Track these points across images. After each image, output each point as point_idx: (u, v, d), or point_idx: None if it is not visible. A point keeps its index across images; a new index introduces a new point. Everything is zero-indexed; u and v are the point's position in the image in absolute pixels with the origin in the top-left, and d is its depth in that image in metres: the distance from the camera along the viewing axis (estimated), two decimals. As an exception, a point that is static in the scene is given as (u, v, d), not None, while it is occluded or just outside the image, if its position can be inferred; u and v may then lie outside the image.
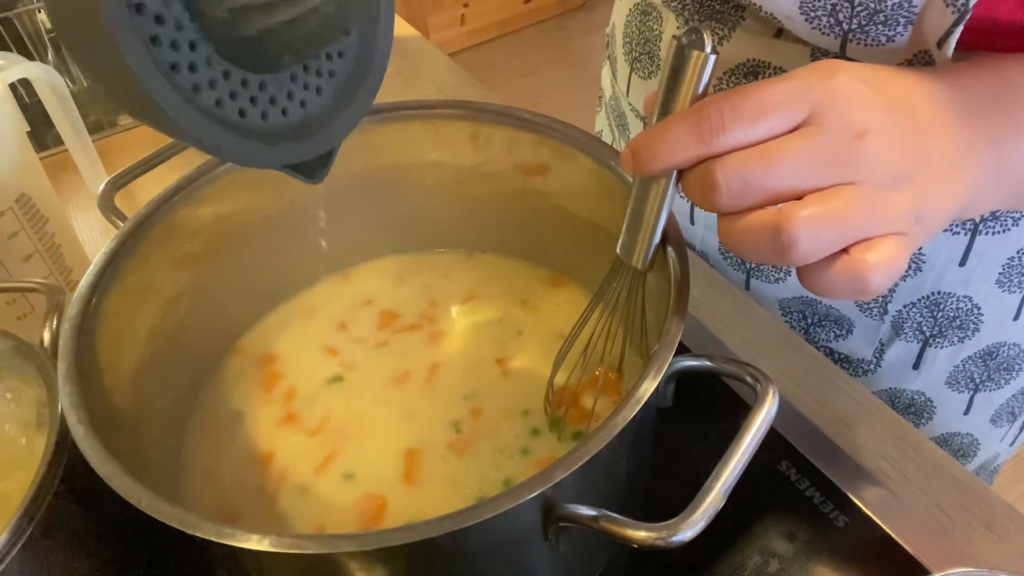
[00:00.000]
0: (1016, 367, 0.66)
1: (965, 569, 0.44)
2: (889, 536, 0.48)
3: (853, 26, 0.48)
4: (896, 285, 0.61)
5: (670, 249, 0.43)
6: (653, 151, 0.36)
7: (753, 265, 0.68)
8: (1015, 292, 0.61)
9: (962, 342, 0.64)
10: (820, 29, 0.49)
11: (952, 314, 0.62)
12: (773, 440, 0.53)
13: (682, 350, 0.39)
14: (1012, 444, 0.76)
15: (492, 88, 0.94)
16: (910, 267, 0.60)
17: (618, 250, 0.42)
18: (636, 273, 0.43)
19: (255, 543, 0.34)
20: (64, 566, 0.42)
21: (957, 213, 0.38)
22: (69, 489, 0.41)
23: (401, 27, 1.02)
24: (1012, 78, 0.41)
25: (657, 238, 0.41)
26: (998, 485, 0.72)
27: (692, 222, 0.70)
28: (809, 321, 0.68)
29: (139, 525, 0.35)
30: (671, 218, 0.45)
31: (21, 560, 0.38)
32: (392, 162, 0.57)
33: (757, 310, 0.63)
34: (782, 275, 0.66)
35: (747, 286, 0.69)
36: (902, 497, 0.50)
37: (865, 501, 0.50)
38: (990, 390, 0.68)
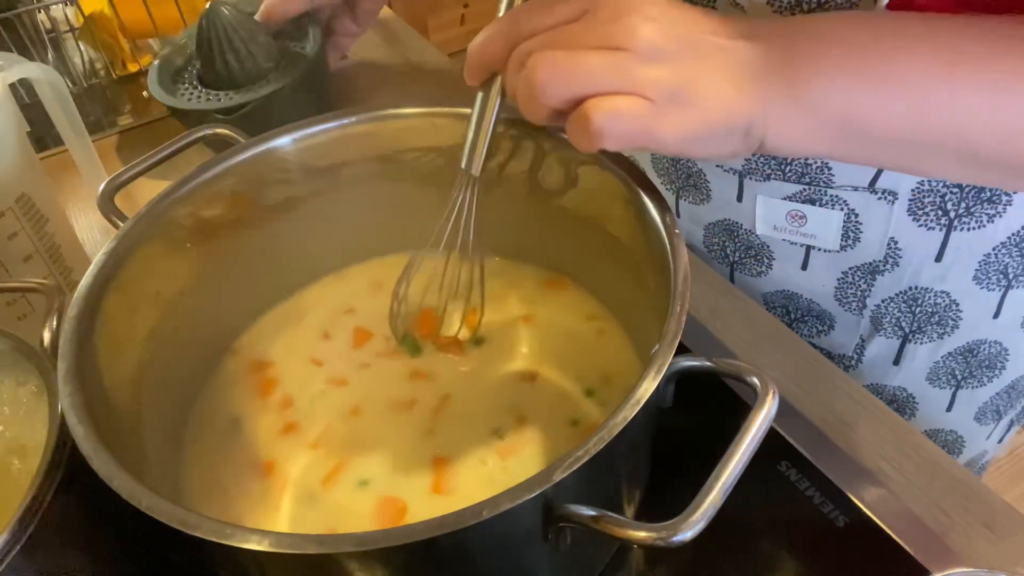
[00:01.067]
0: (998, 365, 0.67)
1: (965, 569, 0.44)
2: (889, 536, 0.48)
3: (813, 6, 0.48)
4: (874, 279, 0.62)
5: (670, 248, 0.43)
6: (474, 57, 0.43)
7: (736, 258, 0.68)
8: (994, 290, 0.61)
9: (941, 338, 0.65)
10: (781, 11, 0.50)
11: (930, 310, 0.63)
12: (773, 440, 0.53)
13: (682, 350, 0.39)
14: (1000, 442, 0.76)
15: (492, 88, 0.94)
16: (887, 261, 0.61)
17: (463, 164, 0.49)
18: (472, 180, 0.49)
19: (255, 543, 0.34)
20: (64, 566, 0.42)
21: (736, 119, 0.39)
22: (69, 489, 0.41)
23: (401, 27, 1.02)
24: (826, 14, 0.44)
25: (486, 145, 0.47)
26: (998, 485, 0.72)
27: (678, 215, 0.70)
28: (792, 316, 0.69)
29: (140, 526, 0.35)
30: (669, 214, 0.45)
31: (21, 560, 0.38)
32: (391, 161, 0.57)
33: (757, 310, 0.63)
34: (763, 268, 0.67)
35: (731, 279, 0.70)
36: (902, 497, 0.50)
37: (865, 501, 0.50)
38: (972, 387, 0.68)
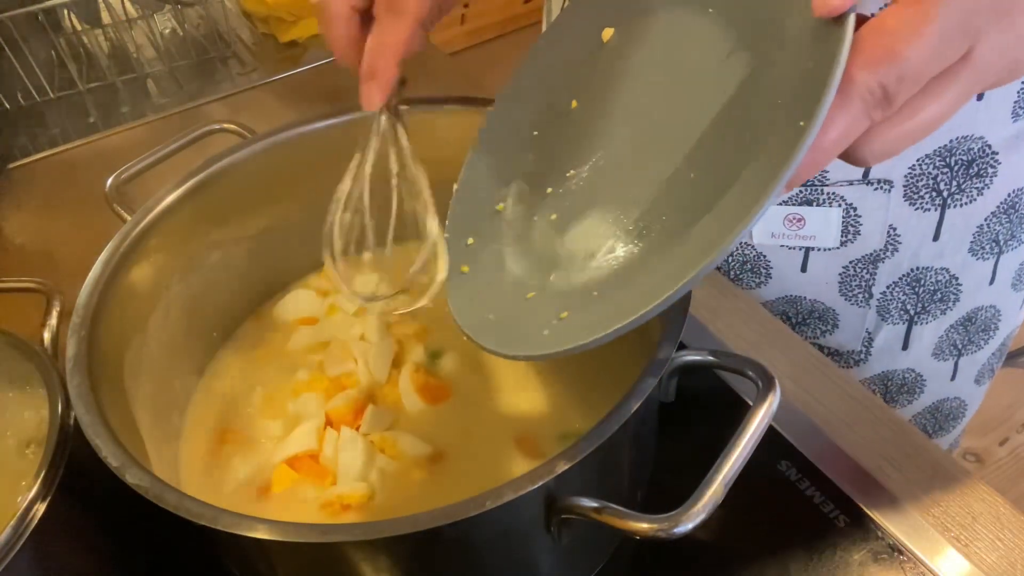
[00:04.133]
0: (993, 327, 0.69)
1: (966, 569, 0.44)
2: (889, 536, 0.48)
3: None
4: (876, 267, 0.63)
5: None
6: None
7: (734, 274, 0.69)
8: (988, 259, 0.63)
9: (944, 314, 0.66)
10: None
11: (932, 288, 0.64)
12: (773, 440, 0.53)
13: (682, 349, 0.39)
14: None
15: (492, 88, 0.94)
16: (887, 248, 0.62)
17: None
18: None
19: (262, 532, 0.34)
20: (65, 565, 0.42)
21: None
22: (69, 489, 0.41)
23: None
24: None
25: None
26: (998, 485, 0.72)
27: None
28: (794, 321, 0.69)
29: (139, 522, 0.36)
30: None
31: (21, 560, 0.39)
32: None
33: (757, 309, 0.63)
34: (762, 279, 0.67)
35: None
36: (902, 497, 0.50)
37: (865, 501, 0.50)
38: (971, 352, 0.70)
